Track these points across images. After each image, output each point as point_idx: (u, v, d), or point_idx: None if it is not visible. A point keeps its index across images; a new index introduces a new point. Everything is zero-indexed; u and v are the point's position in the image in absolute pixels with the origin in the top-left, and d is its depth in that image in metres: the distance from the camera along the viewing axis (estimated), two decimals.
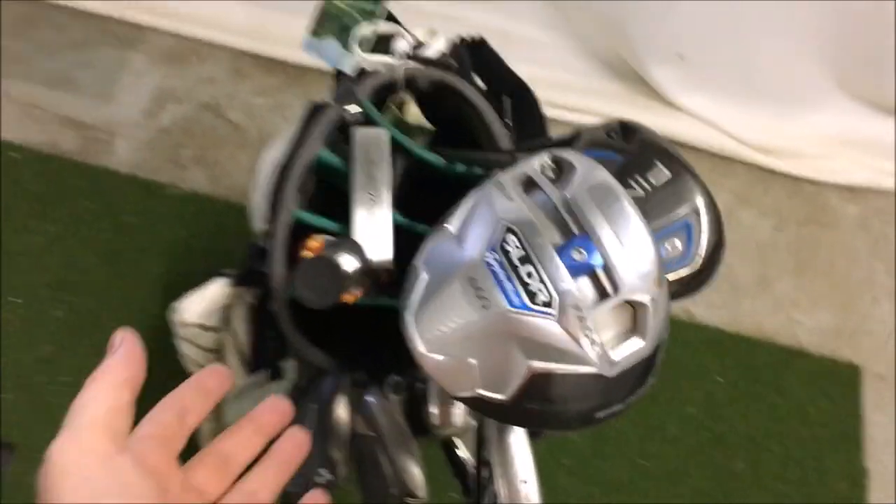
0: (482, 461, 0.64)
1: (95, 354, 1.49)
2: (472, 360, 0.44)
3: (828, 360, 1.49)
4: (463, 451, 0.81)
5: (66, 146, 1.55)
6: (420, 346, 0.46)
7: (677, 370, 1.45)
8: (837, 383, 1.47)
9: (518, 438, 0.62)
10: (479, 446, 0.65)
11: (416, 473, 0.65)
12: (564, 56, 1.79)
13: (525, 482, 0.60)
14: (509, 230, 0.45)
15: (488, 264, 0.45)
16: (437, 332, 0.45)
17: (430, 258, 0.47)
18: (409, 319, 0.46)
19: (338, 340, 0.73)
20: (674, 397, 1.43)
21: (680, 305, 1.52)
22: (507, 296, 0.44)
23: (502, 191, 0.47)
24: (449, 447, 0.81)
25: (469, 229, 0.46)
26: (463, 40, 1.00)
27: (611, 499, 1.33)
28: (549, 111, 1.71)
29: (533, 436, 0.76)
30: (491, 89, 0.92)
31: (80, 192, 1.50)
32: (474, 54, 0.96)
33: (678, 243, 0.54)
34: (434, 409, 0.70)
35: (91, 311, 1.37)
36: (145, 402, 1.40)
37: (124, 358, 0.47)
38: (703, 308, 1.53)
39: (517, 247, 0.45)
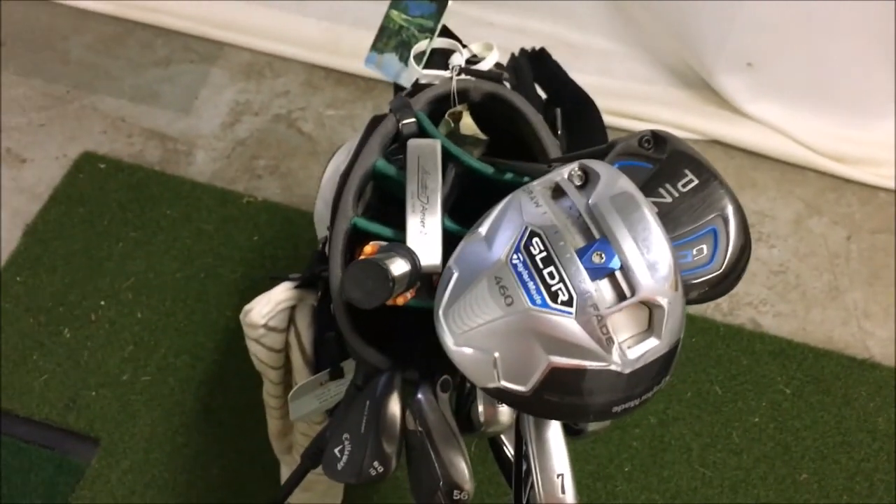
0: (522, 456, 0.66)
1: (174, 354, 1.57)
2: (497, 354, 0.47)
3: None
4: (508, 448, 0.83)
5: (150, 157, 1.64)
6: (449, 340, 0.49)
7: (742, 380, 1.44)
8: None
9: (554, 434, 0.64)
10: (518, 442, 0.68)
11: (462, 468, 0.67)
12: (632, 66, 1.80)
13: (561, 475, 0.63)
14: (534, 233, 0.48)
15: (513, 265, 0.48)
16: (464, 328, 0.49)
17: (460, 258, 0.51)
18: (440, 315, 0.50)
19: (392, 341, 0.76)
20: (738, 407, 1.42)
21: (748, 315, 1.51)
22: (529, 295, 0.47)
23: (531, 197, 0.50)
24: (496, 444, 0.83)
25: (497, 232, 0.49)
26: (524, 51, 1.02)
27: None
28: (617, 121, 1.73)
29: (575, 434, 0.78)
30: (551, 99, 0.95)
31: (162, 201, 1.58)
32: (536, 65, 0.99)
33: (704, 248, 0.55)
34: (481, 408, 0.73)
35: (170, 313, 1.44)
36: (217, 398, 1.44)
37: None
38: (770, 318, 1.52)
39: (541, 249, 0.48)
